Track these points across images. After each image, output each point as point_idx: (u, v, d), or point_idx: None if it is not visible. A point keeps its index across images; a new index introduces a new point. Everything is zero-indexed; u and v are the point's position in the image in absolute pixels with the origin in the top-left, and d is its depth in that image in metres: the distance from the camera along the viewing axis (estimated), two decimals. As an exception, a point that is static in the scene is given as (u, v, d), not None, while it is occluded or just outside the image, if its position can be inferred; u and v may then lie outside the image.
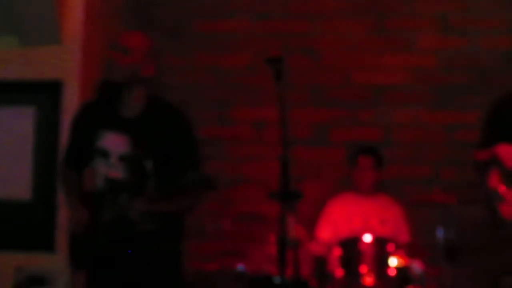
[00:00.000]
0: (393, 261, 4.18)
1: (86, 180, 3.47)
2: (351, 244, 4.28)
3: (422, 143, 5.64)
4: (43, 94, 4.64)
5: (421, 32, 5.76)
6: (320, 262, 4.99)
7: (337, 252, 4.33)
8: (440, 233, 4.37)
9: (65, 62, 4.62)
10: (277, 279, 4.04)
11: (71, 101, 4.57)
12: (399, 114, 5.71)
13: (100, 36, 4.89)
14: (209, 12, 5.94)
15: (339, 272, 4.25)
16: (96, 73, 4.84)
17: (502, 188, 3.54)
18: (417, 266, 4.18)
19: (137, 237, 3.23)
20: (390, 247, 4.25)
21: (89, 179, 3.45)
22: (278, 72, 2.95)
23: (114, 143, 3.29)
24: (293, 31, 5.84)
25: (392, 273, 4.17)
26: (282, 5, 5.89)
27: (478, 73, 5.65)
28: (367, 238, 4.26)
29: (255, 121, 5.72)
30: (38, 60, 4.63)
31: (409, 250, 4.81)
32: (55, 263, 4.41)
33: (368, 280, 4.14)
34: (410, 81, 5.72)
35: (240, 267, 4.46)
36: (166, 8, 5.87)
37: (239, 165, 5.64)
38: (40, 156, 4.62)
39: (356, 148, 5.21)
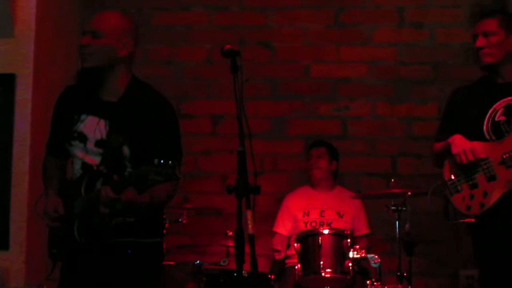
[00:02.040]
0: (350, 254, 4.20)
1: (69, 167, 3.37)
2: (308, 238, 4.31)
3: (379, 136, 5.70)
4: (-4, 87, 4.56)
5: (378, 25, 5.82)
6: (279, 257, 5.03)
7: (295, 245, 4.34)
8: (397, 225, 4.42)
9: (18, 56, 4.56)
10: (234, 274, 4.07)
11: (25, 95, 4.53)
12: (357, 107, 5.75)
13: (53, 30, 4.84)
14: (166, 4, 5.91)
15: (297, 266, 4.26)
16: (49, 65, 4.79)
17: (458, 177, 3.58)
18: (374, 259, 4.21)
19: (112, 230, 3.12)
20: (348, 240, 4.27)
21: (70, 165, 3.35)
22: (234, 65, 2.93)
23: (92, 127, 3.17)
24: (250, 24, 5.85)
25: (349, 265, 4.19)
26: (240, -3, 5.91)
27: (435, 66, 5.73)
28: (325, 231, 4.29)
29: (212, 114, 5.71)
30: (-10, 54, 4.56)
31: (366, 243, 4.87)
32: (9, 261, 4.35)
33: (326, 273, 4.17)
34: (368, 74, 5.77)
35: (197, 261, 4.46)
36: (123, 0, 5.81)
37: (197, 159, 5.63)
38: (-8, 151, 4.54)
39: (310, 143, 5.26)
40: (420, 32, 5.76)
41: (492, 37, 3.55)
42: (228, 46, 2.95)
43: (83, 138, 3.19)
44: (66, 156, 3.33)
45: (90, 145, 3.17)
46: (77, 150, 3.21)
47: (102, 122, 3.18)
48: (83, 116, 3.21)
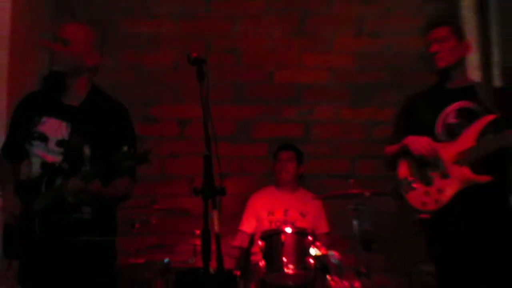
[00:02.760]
0: (312, 251, 4.26)
1: (23, 170, 3.43)
2: (272, 236, 4.35)
3: (340, 139, 5.78)
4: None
5: (339, 33, 5.90)
6: (243, 254, 5.07)
7: (259, 243, 4.39)
8: (355, 224, 4.49)
9: (-7, 63, 4.56)
10: (201, 271, 4.11)
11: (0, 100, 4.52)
12: (320, 111, 5.83)
13: (26, 38, 4.83)
14: (134, 11, 5.91)
15: (261, 263, 4.31)
16: (23, 72, 4.78)
17: (413, 175, 3.67)
18: (334, 256, 4.27)
19: (71, 226, 3.18)
20: (309, 238, 4.33)
21: (26, 168, 3.40)
22: (201, 72, 2.99)
23: (53, 128, 3.27)
24: (216, 31, 5.88)
25: (311, 262, 4.25)
26: (206, 5, 5.93)
27: (392, 72, 5.83)
28: (288, 230, 4.33)
29: (179, 118, 5.74)
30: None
31: (327, 241, 4.93)
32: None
33: (289, 270, 4.21)
34: (330, 80, 5.85)
35: (165, 260, 4.48)
36: (91, 8, 5.81)
37: (164, 162, 5.66)
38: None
39: (278, 146, 5.31)
40: (377, 40, 5.87)
41: (446, 43, 3.71)
42: (194, 54, 3.01)
43: (44, 138, 3.27)
44: (21, 159, 3.40)
45: (51, 144, 3.25)
46: (37, 150, 3.27)
47: (64, 124, 3.27)
48: (44, 118, 3.30)
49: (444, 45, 3.70)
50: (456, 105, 3.66)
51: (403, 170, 3.70)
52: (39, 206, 3.18)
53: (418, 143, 3.60)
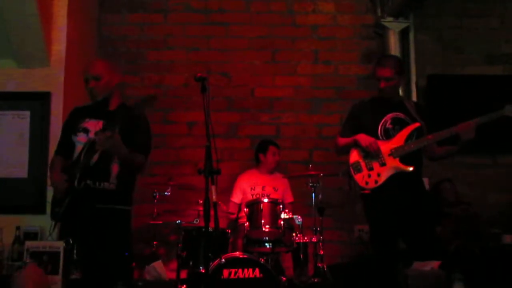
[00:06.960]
0: (282, 215, 4.20)
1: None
2: (254, 204, 4.30)
3: (301, 136, 5.72)
4: (36, 102, 4.47)
5: (301, 62, 5.83)
6: (233, 218, 5.01)
7: (245, 210, 4.33)
8: (313, 196, 4.44)
9: (52, 80, 4.49)
10: (203, 229, 4.03)
11: (57, 108, 4.46)
12: (286, 117, 5.75)
13: (78, 60, 4.74)
14: (157, 45, 5.81)
15: (246, 223, 4.24)
16: (75, 86, 4.69)
17: (360, 162, 3.62)
18: (298, 218, 4.23)
19: (99, 194, 3.21)
20: (280, 206, 4.28)
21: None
22: (203, 87, 2.96)
23: (93, 125, 3.34)
24: (214, 60, 5.79)
25: (281, 223, 4.19)
26: (207, 42, 5.83)
27: (338, 90, 5.77)
28: (265, 200, 4.28)
29: (188, 121, 5.64)
30: (33, 78, 4.47)
31: (292, 208, 4.89)
32: (44, 222, 4.23)
33: (266, 228, 4.16)
34: (293, 95, 5.78)
35: (177, 221, 4.41)
36: (127, 43, 5.73)
37: (178, 151, 5.57)
38: (34, 146, 4.45)
39: (265, 141, 5.22)
40: (328, 67, 5.81)
41: (391, 81, 3.68)
42: (199, 74, 3.02)
43: (86, 131, 3.35)
44: (69, 155, 3.39)
45: (91, 134, 3.31)
46: (81, 138, 3.34)
47: (100, 122, 3.34)
48: (87, 119, 3.39)
49: (390, 83, 3.66)
50: (392, 114, 3.69)
51: (353, 157, 3.67)
52: (80, 165, 3.22)
53: (367, 140, 3.57)
